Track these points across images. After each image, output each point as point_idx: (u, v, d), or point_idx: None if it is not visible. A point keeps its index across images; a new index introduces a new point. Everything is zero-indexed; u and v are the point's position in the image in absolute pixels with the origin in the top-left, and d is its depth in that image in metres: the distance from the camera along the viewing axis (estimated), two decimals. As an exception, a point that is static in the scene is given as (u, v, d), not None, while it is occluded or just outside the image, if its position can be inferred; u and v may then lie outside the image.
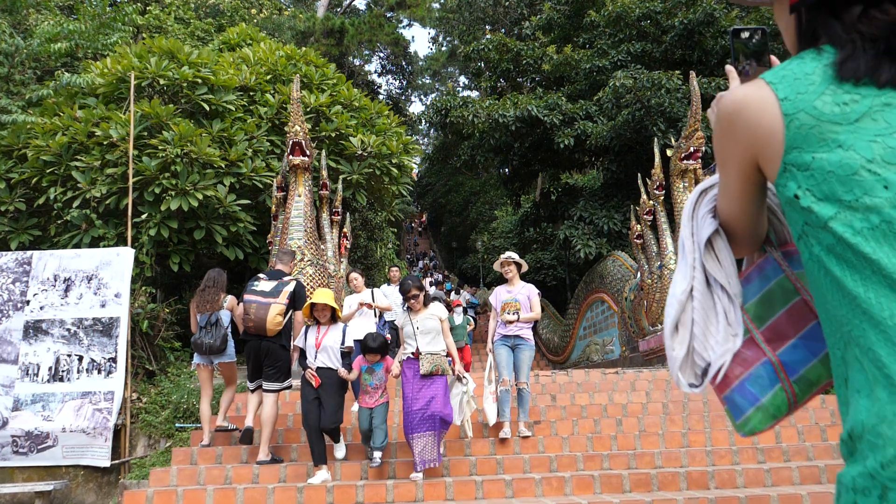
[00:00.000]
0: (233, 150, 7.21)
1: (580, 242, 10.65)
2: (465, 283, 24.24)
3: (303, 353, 3.94)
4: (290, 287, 4.09)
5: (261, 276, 4.18)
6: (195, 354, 4.35)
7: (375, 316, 5.60)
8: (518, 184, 14.36)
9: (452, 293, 14.11)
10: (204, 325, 4.30)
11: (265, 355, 4.05)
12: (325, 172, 6.88)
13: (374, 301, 5.53)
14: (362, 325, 5.46)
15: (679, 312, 0.78)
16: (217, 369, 4.54)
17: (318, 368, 3.84)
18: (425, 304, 3.82)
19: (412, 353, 3.80)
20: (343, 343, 3.91)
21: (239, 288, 7.91)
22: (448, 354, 3.87)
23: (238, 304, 4.37)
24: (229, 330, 4.40)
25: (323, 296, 3.93)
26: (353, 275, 5.62)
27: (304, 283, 5.42)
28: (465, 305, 11.25)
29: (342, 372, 3.84)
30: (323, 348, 3.86)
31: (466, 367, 7.12)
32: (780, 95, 0.68)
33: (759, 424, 0.77)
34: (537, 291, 4.76)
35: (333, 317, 3.97)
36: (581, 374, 6.05)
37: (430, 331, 3.77)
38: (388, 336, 5.70)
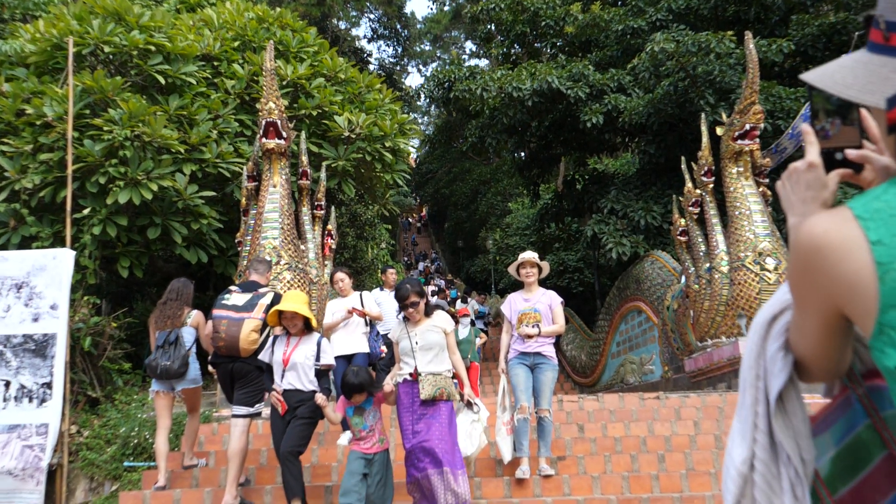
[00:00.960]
0: (194, 132, 7.19)
1: (612, 240, 10.58)
2: (472, 289, 24.23)
3: (270, 370, 3.89)
4: (267, 299, 4.13)
5: (232, 288, 4.22)
6: (153, 381, 4.34)
7: (366, 325, 5.56)
8: (536, 170, 14.34)
9: (458, 302, 14.11)
10: (161, 345, 4.30)
11: (238, 377, 4.05)
12: (304, 158, 6.86)
13: (363, 307, 5.50)
14: (349, 339, 5.43)
15: (741, 490, 0.74)
16: (179, 396, 4.50)
17: (285, 391, 3.77)
18: (426, 314, 3.74)
19: (409, 374, 3.65)
20: (318, 359, 3.83)
21: (202, 298, 7.93)
22: (454, 376, 3.77)
23: (206, 321, 4.39)
24: (193, 350, 4.41)
25: (292, 300, 3.86)
26: (339, 275, 5.59)
27: (281, 292, 5.38)
28: (472, 316, 11.25)
29: (319, 398, 3.74)
30: (292, 366, 3.78)
31: (473, 387, 7.18)
32: (873, 237, 0.64)
33: None
34: (560, 300, 4.77)
35: (307, 326, 3.91)
36: (614, 400, 6.03)
37: (431, 346, 3.66)
38: (384, 350, 5.65)
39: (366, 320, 5.57)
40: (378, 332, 5.74)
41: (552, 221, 14.17)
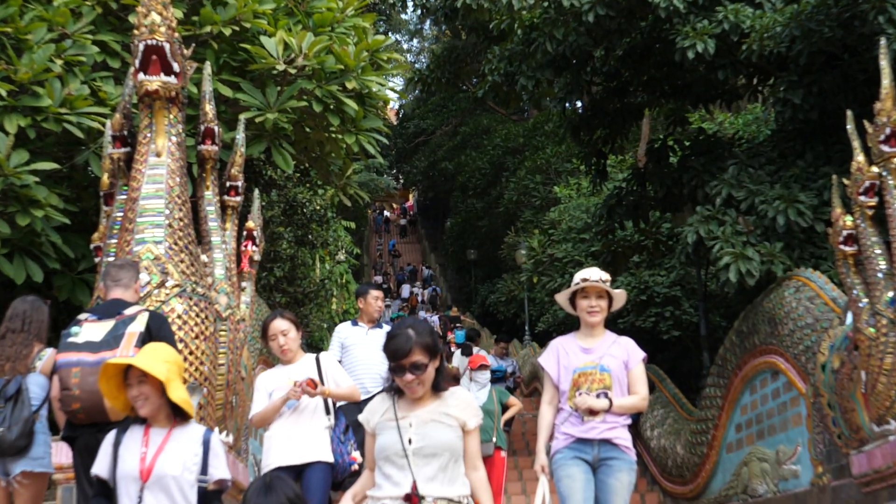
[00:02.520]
0: (23, 62, 7.18)
1: (728, 251, 10.50)
2: (479, 332, 24.42)
3: (102, 486, 3.80)
4: (139, 325, 4.41)
5: (82, 317, 4.47)
6: None
7: (327, 413, 5.63)
8: (602, 132, 14.34)
9: (456, 355, 14.05)
10: (-7, 402, 4.45)
11: None
12: (210, 108, 6.84)
13: (323, 380, 5.60)
14: (297, 438, 5.49)
15: None
16: (12, 485, 4.66)
17: None
18: (436, 389, 3.65)
19: (401, 499, 3.54)
20: (204, 470, 3.80)
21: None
22: None
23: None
24: (43, 413, 4.64)
25: (150, 355, 3.82)
26: (279, 324, 5.72)
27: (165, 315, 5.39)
28: (493, 367, 11.32)
29: None
30: (156, 481, 3.72)
31: (496, 494, 7.22)
32: None
33: None
34: (642, 353, 4.97)
35: (180, 412, 3.84)
36: (734, 525, 6.06)
37: (437, 451, 3.55)
38: (357, 459, 5.58)
39: (327, 404, 5.63)
40: (348, 426, 5.77)
41: (627, 218, 14.12)
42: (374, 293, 7.76)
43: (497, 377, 12.61)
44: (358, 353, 7.59)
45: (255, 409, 5.66)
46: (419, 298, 37.44)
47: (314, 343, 15.05)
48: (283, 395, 5.47)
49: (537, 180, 27.57)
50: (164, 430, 3.82)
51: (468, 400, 3.70)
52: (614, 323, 15.01)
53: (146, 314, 4.52)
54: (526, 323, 24.21)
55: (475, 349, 13.06)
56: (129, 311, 4.50)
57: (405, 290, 38.73)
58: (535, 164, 28.30)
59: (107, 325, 4.37)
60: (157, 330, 4.47)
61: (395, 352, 3.54)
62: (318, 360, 5.75)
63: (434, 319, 27.79)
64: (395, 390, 3.65)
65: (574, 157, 22.99)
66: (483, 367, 9.72)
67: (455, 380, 10.33)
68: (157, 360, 3.79)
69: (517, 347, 23.27)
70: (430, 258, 46.95)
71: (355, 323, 7.91)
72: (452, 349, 17.03)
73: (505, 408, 9.94)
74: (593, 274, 4.98)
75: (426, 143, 44.45)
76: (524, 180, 28.20)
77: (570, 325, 18.57)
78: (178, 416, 3.85)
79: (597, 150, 14.50)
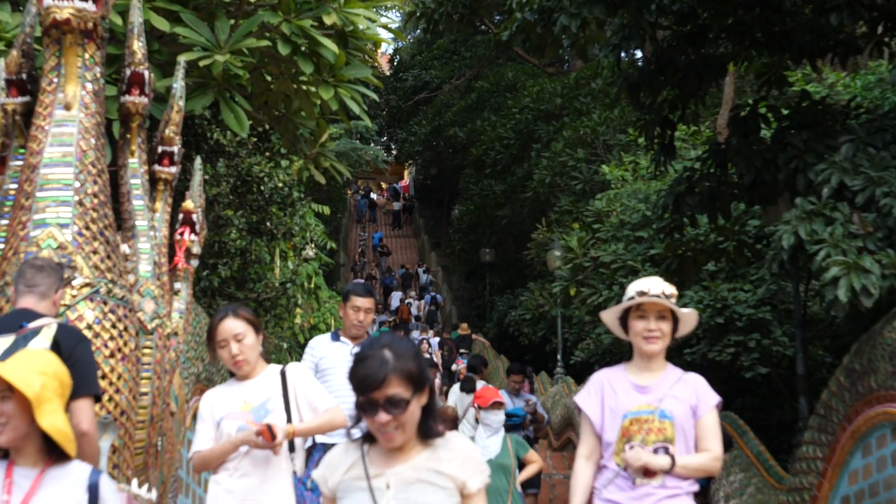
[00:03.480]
0: None
1: (838, 258, 10.50)
2: (512, 356, 24.23)
3: None
4: (43, 340, 4.50)
5: None
6: None
7: (292, 451, 5.68)
8: (670, 93, 14.33)
9: (452, 393, 14.04)
10: None
11: None
12: (139, 45, 6.84)
13: (287, 403, 5.64)
14: (256, 481, 5.51)
15: None
16: None
17: None
18: (424, 435, 3.59)
19: None
20: None
21: None
22: None
23: None
24: None
25: (17, 365, 3.78)
26: (231, 324, 5.66)
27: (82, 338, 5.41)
28: (508, 410, 11.32)
29: None
30: None
31: None
32: None
33: None
34: (716, 398, 5.00)
35: (56, 447, 3.79)
36: None
37: None
38: None
39: (292, 440, 5.65)
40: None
41: (701, 211, 14.10)
42: (360, 301, 7.62)
43: (512, 423, 12.44)
44: (338, 378, 7.34)
45: (197, 445, 5.60)
46: (412, 311, 37.54)
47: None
48: (236, 437, 5.44)
49: (579, 156, 27.53)
50: (34, 472, 3.76)
51: (468, 451, 3.64)
52: (680, 354, 15.00)
53: (53, 326, 4.55)
54: (558, 350, 24.23)
55: (479, 383, 13.07)
56: (35, 325, 4.50)
57: (395, 300, 38.79)
58: (576, 135, 28.31)
59: (3, 343, 4.41)
60: (71, 350, 4.49)
61: (363, 381, 3.46)
62: (283, 374, 5.68)
63: (432, 341, 27.87)
64: (365, 437, 3.61)
65: (630, 125, 22.94)
66: (496, 405, 9.69)
67: (452, 424, 10.33)
68: (30, 370, 3.72)
69: (545, 383, 23.35)
70: (429, 258, 46.91)
71: (336, 337, 7.73)
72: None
73: (523, 464, 9.86)
74: (653, 286, 4.98)
75: (429, 101, 44.31)
76: (561, 155, 28.20)
77: (618, 354, 18.54)
78: (52, 452, 3.78)
79: (662, 118, 14.48)
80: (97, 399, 4.95)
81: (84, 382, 4.43)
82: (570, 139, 28.33)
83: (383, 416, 3.45)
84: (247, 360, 5.63)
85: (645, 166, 21.01)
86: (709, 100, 15.89)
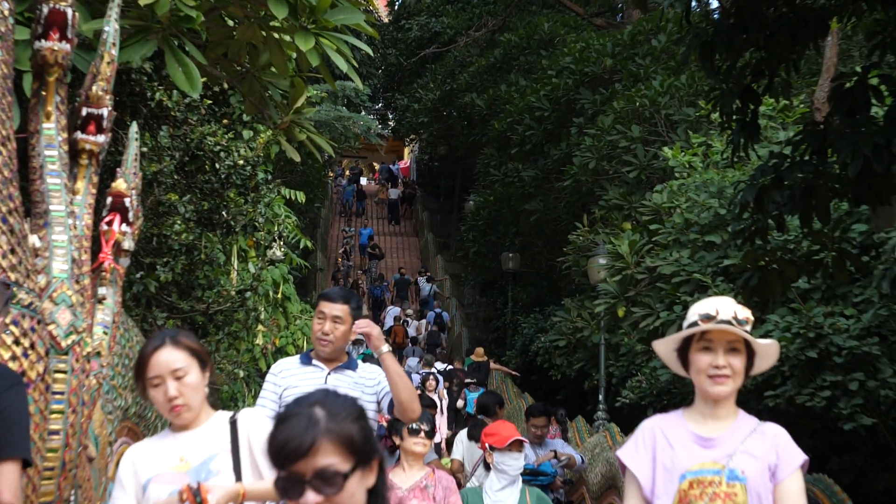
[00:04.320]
0: None
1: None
2: (537, 394, 24.29)
3: None
4: None
5: None
6: None
7: None
8: (753, 55, 14.32)
9: (459, 436, 14.09)
10: None
11: None
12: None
13: (237, 462, 5.61)
14: None
15: None
16: None
17: None
18: None
19: None
20: None
21: None
22: None
23: None
24: None
25: None
26: (168, 356, 5.55)
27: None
28: (530, 465, 11.36)
29: None
30: None
31: None
32: None
33: None
34: (803, 457, 4.99)
35: None
36: None
37: None
38: None
39: None
40: None
41: (792, 211, 14.04)
42: (327, 306, 7.56)
43: (539, 483, 12.47)
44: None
45: None
46: (408, 332, 37.48)
47: (223, 404, 15.11)
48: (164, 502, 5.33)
49: (633, 135, 27.45)
50: None
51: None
52: (759, 397, 15.00)
53: None
54: (600, 388, 24.20)
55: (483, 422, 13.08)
56: None
57: (390, 317, 38.64)
58: (630, 107, 28.23)
59: None
60: None
61: (284, 448, 3.40)
62: (234, 424, 5.58)
63: (434, 369, 27.80)
64: None
65: (701, 97, 22.90)
66: (515, 444, 9.67)
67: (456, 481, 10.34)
68: None
69: (581, 431, 23.25)
70: (434, 263, 46.80)
71: (307, 359, 7.72)
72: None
73: None
74: (723, 308, 4.96)
75: (439, 58, 44.10)
76: (610, 133, 28.10)
77: (679, 396, 18.50)
78: None
79: (743, 88, 14.45)
80: (26, 464, 5.00)
81: (10, 441, 4.51)
82: (622, 112, 28.22)
83: (311, 497, 3.40)
84: (187, 406, 5.51)
85: (719, 150, 21.00)
86: (804, 66, 15.79)
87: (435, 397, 23.99)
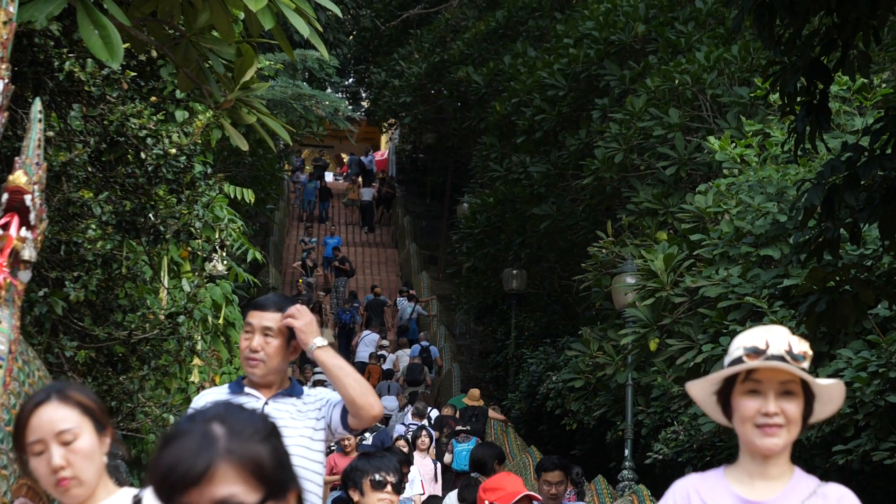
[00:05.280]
0: None
1: None
2: (548, 447, 24.41)
3: None
4: None
5: None
6: None
7: None
8: (824, 21, 14.38)
9: (447, 496, 14.19)
10: None
11: None
12: None
13: None
14: None
15: None
16: None
17: None
18: None
19: None
20: None
21: None
22: None
23: None
24: None
25: None
26: (49, 418, 5.54)
27: None
28: None
29: None
30: None
31: None
32: None
33: None
34: None
35: None
36: None
37: None
38: None
39: None
40: None
41: (870, 219, 14.15)
42: (255, 317, 7.50)
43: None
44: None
45: None
46: (382, 365, 37.37)
47: (147, 459, 15.08)
48: None
49: (671, 121, 27.48)
50: None
51: None
52: (825, 452, 15.02)
53: None
54: (627, 441, 24.23)
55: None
56: None
57: (364, 343, 38.41)
58: (667, 86, 28.28)
59: None
60: None
61: (171, 474, 3.36)
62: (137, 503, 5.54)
63: (425, 421, 27.76)
64: None
65: (757, 73, 22.92)
66: (525, 500, 9.67)
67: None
68: None
69: (603, 493, 23.31)
70: (419, 280, 46.71)
71: (238, 388, 7.79)
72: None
73: None
74: (774, 340, 4.88)
75: (425, 22, 44.04)
76: (642, 118, 28.15)
77: (726, 451, 18.53)
78: None
79: (809, 62, 14.53)
80: None
81: None
82: (656, 92, 28.27)
83: None
84: (77, 479, 5.36)
85: (779, 141, 21.00)
86: (887, 35, 15.79)
87: (427, 460, 23.87)
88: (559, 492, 13.32)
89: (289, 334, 7.58)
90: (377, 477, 8.68)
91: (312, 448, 7.47)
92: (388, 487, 8.72)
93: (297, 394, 7.68)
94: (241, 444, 3.27)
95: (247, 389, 7.57)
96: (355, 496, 8.80)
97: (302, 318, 7.35)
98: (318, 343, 7.33)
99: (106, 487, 5.57)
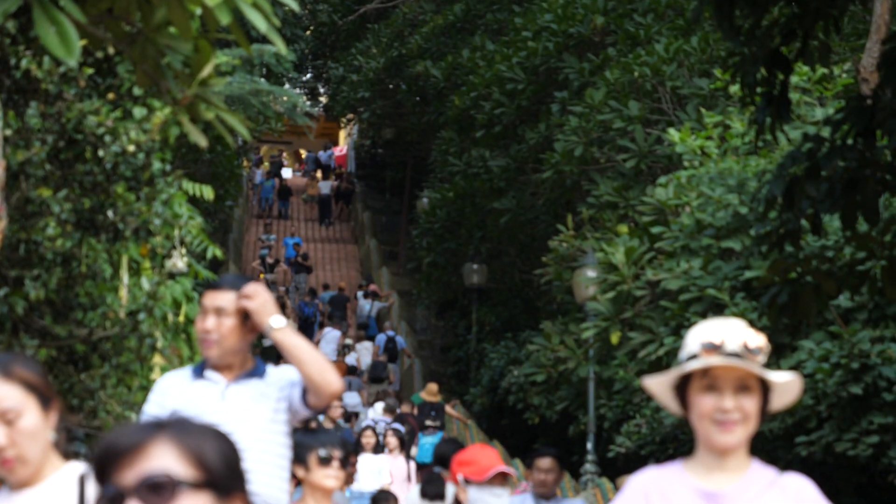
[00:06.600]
0: None
1: None
2: (510, 444, 24.47)
3: None
4: None
5: None
6: None
7: None
8: (784, 12, 14.41)
9: (408, 494, 14.18)
10: None
11: None
12: None
13: None
14: None
15: None
16: None
17: None
18: None
19: None
20: None
21: None
22: None
23: None
24: None
25: None
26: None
27: None
28: None
29: None
30: None
31: None
32: None
33: None
34: None
35: None
36: None
37: None
38: None
39: None
40: None
41: (831, 209, 14.17)
42: (215, 297, 7.38)
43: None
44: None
45: None
46: (349, 361, 37.21)
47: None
48: None
49: (631, 113, 27.53)
50: None
51: None
52: (788, 444, 15.05)
53: None
54: (589, 434, 24.22)
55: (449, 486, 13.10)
56: None
57: (326, 340, 38.23)
58: (626, 78, 28.34)
59: None
60: None
61: (106, 453, 3.23)
62: (83, 481, 5.34)
63: (378, 420, 27.73)
64: None
65: (717, 65, 22.96)
66: (500, 476, 9.46)
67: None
68: None
69: (566, 489, 23.29)
70: (379, 276, 46.56)
71: (199, 372, 7.72)
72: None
73: None
74: (730, 336, 4.88)
75: (383, 17, 43.96)
76: (602, 111, 28.19)
77: (687, 443, 18.53)
78: None
79: (770, 53, 14.55)
80: None
81: None
82: (616, 85, 28.34)
83: None
84: (21, 458, 5.28)
85: (739, 132, 21.06)
86: (847, 25, 15.84)
87: (400, 460, 23.65)
88: (550, 479, 13.14)
89: (245, 313, 7.54)
90: (322, 452, 8.41)
91: (275, 431, 7.45)
92: (335, 463, 8.47)
93: (259, 374, 7.59)
94: (186, 433, 3.18)
95: (207, 372, 7.50)
96: (300, 472, 8.44)
97: (257, 298, 7.30)
98: (274, 324, 7.28)
99: (52, 463, 5.48)
